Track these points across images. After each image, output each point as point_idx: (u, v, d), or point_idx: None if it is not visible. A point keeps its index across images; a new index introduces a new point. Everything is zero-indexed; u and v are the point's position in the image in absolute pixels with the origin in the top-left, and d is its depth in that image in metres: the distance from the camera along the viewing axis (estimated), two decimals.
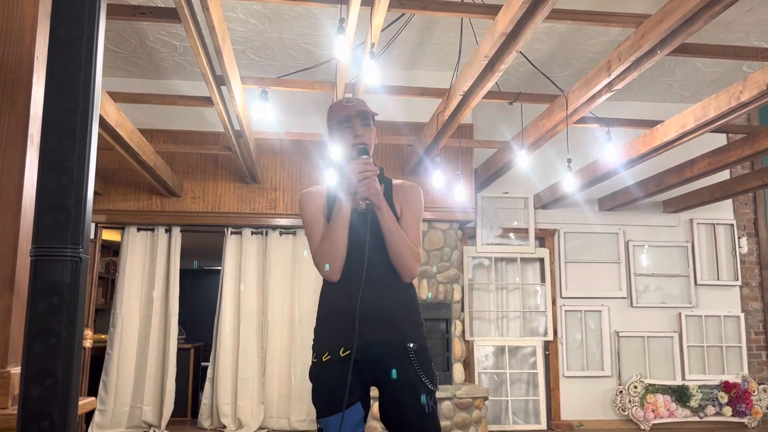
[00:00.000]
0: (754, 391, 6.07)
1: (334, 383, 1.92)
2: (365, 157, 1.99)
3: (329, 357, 1.94)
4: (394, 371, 1.91)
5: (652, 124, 4.69)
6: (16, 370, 1.50)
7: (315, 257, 2.01)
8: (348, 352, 1.90)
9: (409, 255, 1.99)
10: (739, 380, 6.11)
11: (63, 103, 1.18)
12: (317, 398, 1.96)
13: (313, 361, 2.00)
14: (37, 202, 1.17)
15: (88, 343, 5.49)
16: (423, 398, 1.92)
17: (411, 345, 1.95)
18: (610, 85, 3.68)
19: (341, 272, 1.98)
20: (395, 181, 2.16)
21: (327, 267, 1.98)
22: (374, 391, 2.01)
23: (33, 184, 1.55)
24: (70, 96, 1.18)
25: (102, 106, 3.45)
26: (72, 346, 1.15)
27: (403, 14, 4.28)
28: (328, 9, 4.31)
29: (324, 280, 2.03)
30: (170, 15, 3.34)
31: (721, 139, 6.05)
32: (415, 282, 2.10)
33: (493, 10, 3.30)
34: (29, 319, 1.15)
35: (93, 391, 5.53)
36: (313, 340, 2.04)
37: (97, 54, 1.22)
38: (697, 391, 6.02)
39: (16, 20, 1.63)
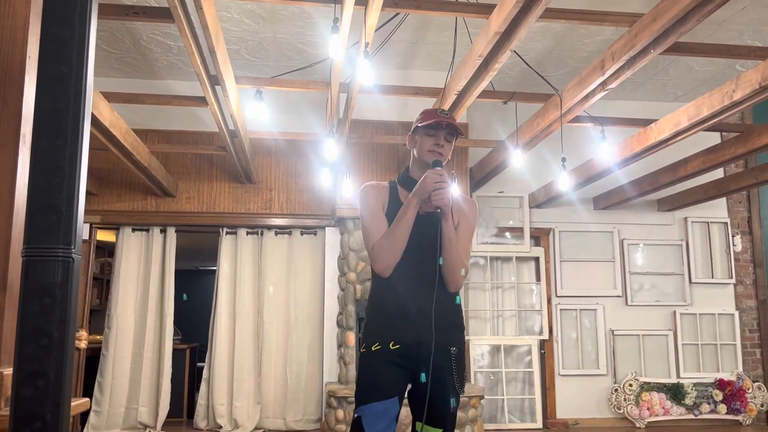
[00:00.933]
0: (748, 389, 6.09)
1: (377, 373, 2.01)
2: (440, 168, 2.10)
3: (378, 347, 2.03)
4: (422, 375, 1.99)
5: (646, 122, 4.70)
6: (8, 371, 1.50)
7: (372, 250, 2.09)
8: (398, 346, 2.02)
9: (460, 267, 2.09)
10: (733, 378, 6.13)
11: (54, 103, 1.18)
12: (359, 387, 2.04)
13: (361, 351, 2.10)
14: (28, 202, 1.17)
15: (83, 344, 5.48)
16: (452, 401, 2.05)
17: (453, 349, 2.07)
18: (604, 84, 3.69)
19: (393, 270, 2.06)
20: (453, 193, 2.22)
21: (383, 264, 2.06)
22: None
23: (26, 184, 1.55)
24: (61, 96, 1.18)
25: (96, 106, 3.44)
26: (64, 346, 1.14)
27: (397, 14, 4.28)
28: (322, 8, 4.31)
29: (375, 276, 2.12)
30: (164, 15, 3.33)
31: (714, 138, 6.07)
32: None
33: (487, 10, 3.30)
34: (21, 319, 1.15)
35: (88, 393, 5.52)
36: (363, 332, 2.15)
37: (89, 54, 1.22)
38: (692, 389, 6.04)
39: (8, 19, 1.63)
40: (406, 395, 2.10)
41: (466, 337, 5.97)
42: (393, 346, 2.02)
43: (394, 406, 2.00)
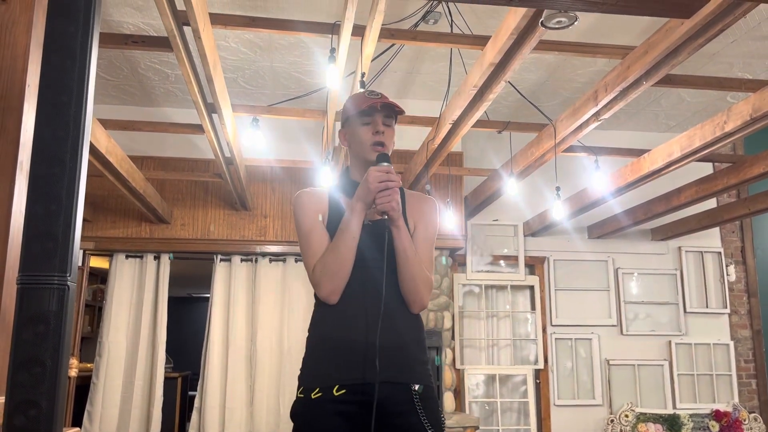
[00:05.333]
0: (745, 420, 6.05)
1: (321, 427, 1.64)
2: (386, 164, 1.73)
3: (320, 395, 1.64)
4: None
5: (639, 152, 4.74)
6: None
7: (314, 273, 1.71)
8: (343, 391, 1.62)
9: (422, 282, 1.72)
10: (729, 409, 6.09)
11: (54, 132, 1.18)
12: None
13: (298, 397, 1.69)
14: (25, 229, 1.17)
15: (73, 372, 5.41)
16: None
17: (416, 387, 1.68)
18: (597, 114, 3.73)
19: (341, 294, 1.70)
20: (408, 191, 1.90)
21: (326, 286, 1.69)
22: None
23: (21, 211, 1.55)
24: (61, 124, 1.19)
25: (92, 133, 3.45)
26: (57, 375, 1.13)
27: (393, 44, 4.33)
28: (319, 39, 4.36)
29: (318, 301, 1.75)
30: (162, 44, 3.37)
31: (707, 168, 6.13)
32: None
33: (482, 41, 3.35)
34: (14, 347, 1.14)
35: (77, 422, 5.43)
36: (301, 370, 1.74)
37: (89, 83, 1.23)
38: (688, 420, 5.99)
39: (8, 48, 1.64)
40: None
41: (461, 367, 5.95)
42: (338, 391, 1.63)
43: None
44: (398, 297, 1.73)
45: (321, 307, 1.74)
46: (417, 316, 1.79)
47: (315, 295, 1.75)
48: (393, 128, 1.85)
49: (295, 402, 1.71)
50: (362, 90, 1.89)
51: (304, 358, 1.75)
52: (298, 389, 1.71)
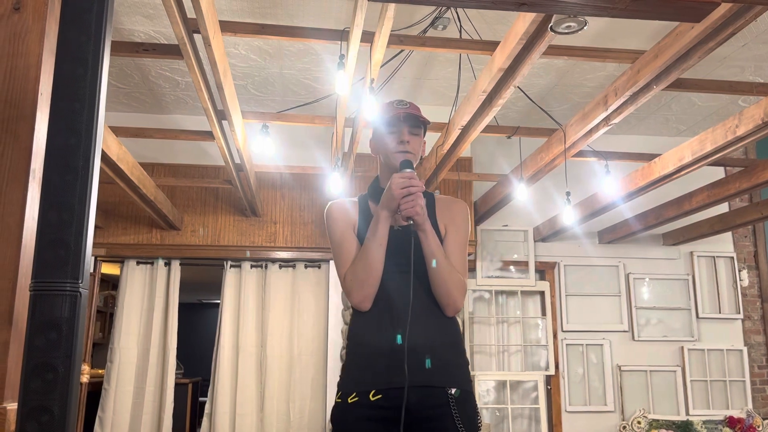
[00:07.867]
0: (759, 426, 5.98)
1: (357, 431, 1.67)
2: (409, 170, 1.76)
3: (356, 399, 1.68)
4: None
5: (649, 157, 4.72)
6: (12, 406, 1.49)
7: (345, 281, 1.76)
8: (379, 396, 1.65)
9: (454, 285, 1.74)
10: (743, 415, 6.03)
11: (66, 139, 1.19)
12: None
13: (336, 401, 1.74)
14: (37, 236, 1.18)
15: (84, 379, 5.44)
16: None
17: (452, 392, 1.68)
18: (607, 119, 3.72)
19: (373, 300, 1.74)
20: (438, 196, 1.95)
21: (358, 293, 1.73)
22: None
23: (34, 218, 1.56)
24: (73, 132, 1.20)
25: (104, 140, 3.48)
26: (69, 381, 1.14)
27: (402, 50, 4.34)
28: (328, 45, 4.38)
29: (353, 309, 1.80)
30: (173, 51, 3.40)
31: (719, 172, 6.09)
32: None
33: (491, 46, 3.36)
34: (27, 354, 1.15)
35: (89, 427, 5.46)
36: (340, 376, 1.80)
37: (101, 91, 1.24)
38: (701, 427, 5.94)
39: (21, 57, 1.66)
40: None
41: (471, 372, 5.92)
42: (374, 396, 1.66)
43: None
44: (430, 301, 1.76)
45: (355, 314, 1.80)
46: (451, 320, 1.80)
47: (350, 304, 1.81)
48: (420, 137, 1.88)
49: (333, 407, 1.76)
50: (393, 100, 1.93)
51: (342, 364, 1.81)
52: (336, 394, 1.76)
